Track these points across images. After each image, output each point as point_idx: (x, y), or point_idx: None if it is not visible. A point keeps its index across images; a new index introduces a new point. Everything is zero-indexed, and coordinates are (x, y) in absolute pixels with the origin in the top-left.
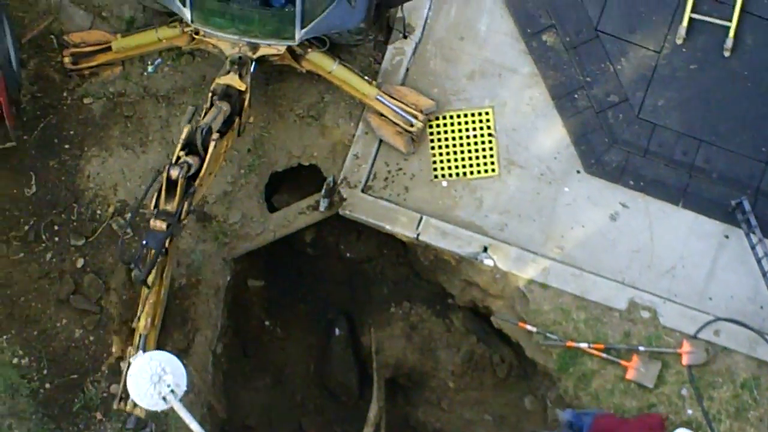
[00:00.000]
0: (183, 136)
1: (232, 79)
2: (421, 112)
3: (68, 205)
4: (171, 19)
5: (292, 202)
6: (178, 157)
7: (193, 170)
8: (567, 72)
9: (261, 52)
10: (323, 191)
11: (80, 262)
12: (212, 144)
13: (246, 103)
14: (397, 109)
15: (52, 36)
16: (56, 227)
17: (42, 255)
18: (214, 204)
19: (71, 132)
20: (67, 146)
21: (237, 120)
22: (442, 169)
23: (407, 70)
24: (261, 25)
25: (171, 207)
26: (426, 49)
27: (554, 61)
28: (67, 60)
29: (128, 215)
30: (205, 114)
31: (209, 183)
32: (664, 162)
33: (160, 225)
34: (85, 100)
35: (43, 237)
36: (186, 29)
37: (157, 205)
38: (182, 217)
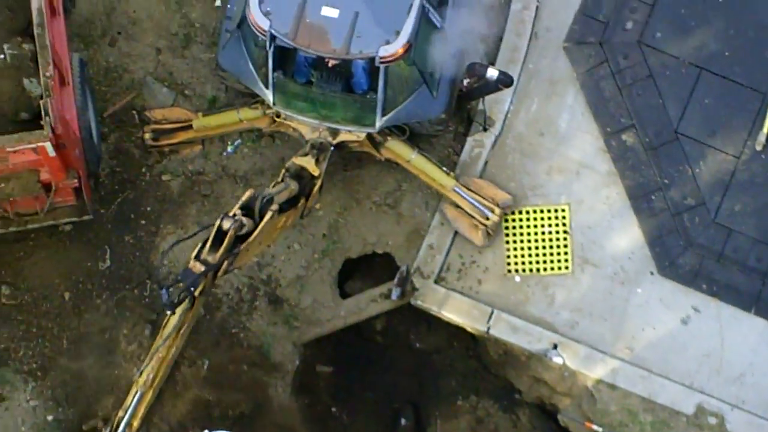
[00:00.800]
0: (244, 197)
1: (308, 162)
2: (498, 205)
3: (142, 281)
4: (253, 101)
5: (364, 289)
6: (234, 213)
7: (244, 231)
8: (645, 173)
9: (341, 137)
10: (396, 280)
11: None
12: (269, 214)
13: (316, 188)
14: (474, 202)
15: (134, 111)
16: (128, 302)
17: (113, 329)
18: (286, 287)
19: (148, 208)
20: (143, 222)
21: (303, 201)
22: (516, 263)
23: (486, 162)
24: (342, 111)
25: (212, 259)
26: (505, 143)
27: (633, 161)
28: (147, 136)
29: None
30: (274, 185)
31: (255, 252)
32: (738, 267)
33: (198, 267)
34: (164, 177)
35: (115, 312)
36: (267, 111)
37: (199, 253)
38: (219, 272)
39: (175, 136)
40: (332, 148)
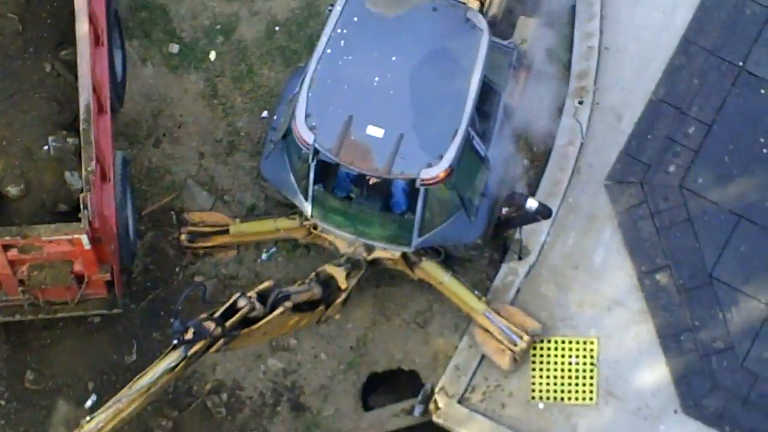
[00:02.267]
0: (263, 285)
1: (338, 274)
2: (527, 332)
3: None
4: (291, 212)
5: (387, 403)
6: (251, 296)
7: (253, 315)
8: (676, 313)
9: (376, 254)
10: (420, 397)
11: None
12: (280, 309)
13: (339, 300)
14: (504, 328)
15: (172, 212)
16: None
17: (132, 421)
18: (310, 396)
19: (178, 307)
20: (172, 320)
21: (322, 308)
22: (541, 391)
23: (518, 290)
24: (379, 228)
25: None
26: (539, 273)
27: (665, 301)
28: (183, 237)
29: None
30: (298, 284)
31: (256, 341)
32: (763, 414)
33: (210, 324)
34: (196, 278)
35: None
36: (304, 223)
37: (210, 315)
38: (213, 345)
39: (211, 240)
40: (366, 265)
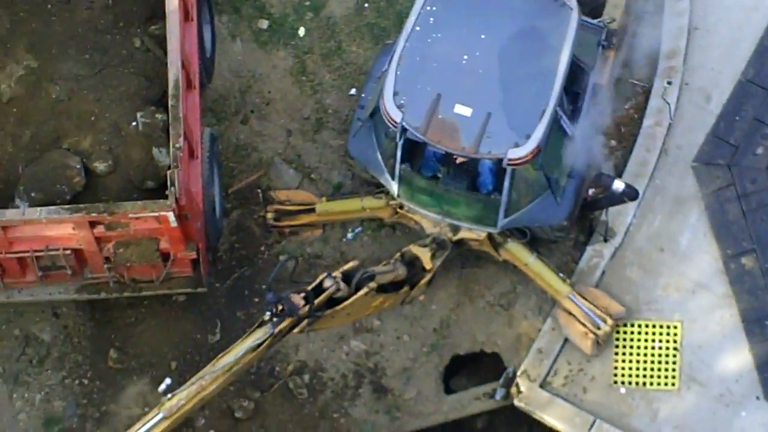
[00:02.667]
0: (348, 265)
1: (423, 254)
2: (611, 316)
3: None
4: (377, 191)
5: (469, 386)
6: (335, 276)
7: (338, 295)
8: (761, 298)
9: (461, 235)
10: (501, 380)
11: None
12: (365, 289)
13: (424, 281)
14: (587, 311)
15: (259, 190)
16: None
17: (213, 401)
18: (392, 378)
19: (263, 286)
20: (257, 300)
21: (406, 289)
22: (623, 375)
23: (603, 273)
24: (465, 208)
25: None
26: (624, 256)
27: (750, 285)
28: (270, 216)
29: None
30: (383, 265)
31: (339, 322)
32: None
33: (299, 301)
34: (281, 257)
35: None
36: (391, 202)
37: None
38: (297, 325)
39: (297, 218)
40: (451, 246)
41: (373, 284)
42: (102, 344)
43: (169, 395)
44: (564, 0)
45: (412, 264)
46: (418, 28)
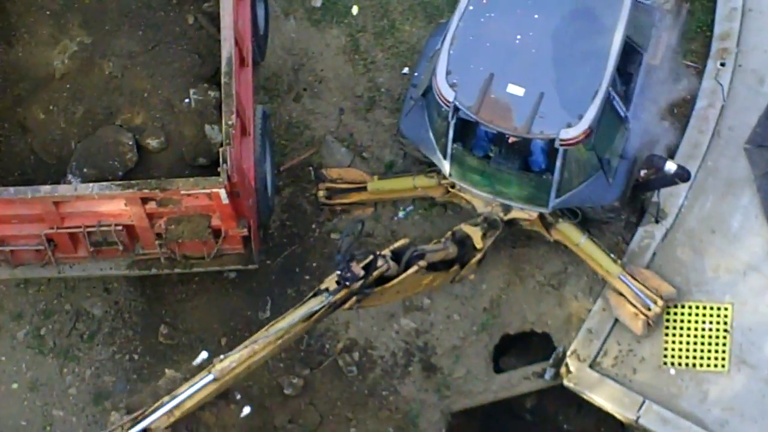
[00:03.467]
0: (398, 243)
1: (475, 233)
2: (661, 297)
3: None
4: (429, 170)
5: (518, 366)
6: (385, 254)
7: (388, 273)
8: None
9: (512, 214)
10: (551, 360)
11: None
12: (414, 267)
13: (474, 260)
14: (638, 292)
15: (311, 168)
16: (283, 354)
17: (263, 378)
18: (441, 356)
19: (314, 264)
20: (307, 277)
21: (456, 268)
22: (673, 357)
23: (654, 254)
24: (517, 188)
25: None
26: (675, 237)
27: None
28: (321, 193)
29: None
30: (434, 243)
31: (388, 299)
32: None
33: (359, 271)
34: (333, 235)
35: (269, 363)
36: (442, 181)
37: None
38: (347, 302)
39: (348, 197)
40: (502, 225)
41: (423, 263)
42: (152, 320)
43: (222, 356)
44: None
45: (463, 243)
46: (471, 8)
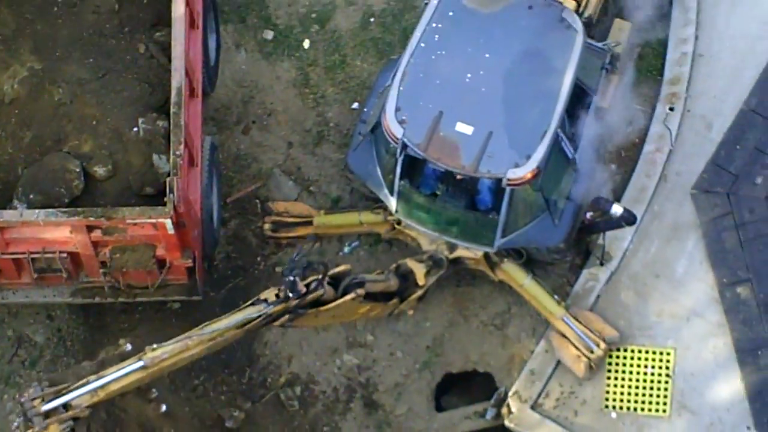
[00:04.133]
0: (339, 269)
1: (418, 270)
2: (604, 340)
3: (241, 367)
4: (375, 206)
5: (460, 405)
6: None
7: (324, 297)
8: (755, 328)
9: (458, 253)
10: (493, 400)
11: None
12: (351, 295)
13: (415, 296)
14: (581, 334)
15: (257, 200)
16: (225, 387)
17: (204, 410)
18: (383, 393)
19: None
20: (286, 267)
21: (396, 301)
22: (615, 400)
23: (598, 297)
24: (463, 226)
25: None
26: (620, 280)
27: (744, 315)
28: (267, 227)
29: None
30: (376, 273)
31: (322, 322)
32: None
33: (301, 287)
34: (277, 269)
35: (211, 394)
36: (389, 218)
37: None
38: (278, 318)
39: (294, 230)
40: (448, 264)
41: (360, 291)
42: (95, 348)
43: (154, 345)
44: (569, 22)
45: (406, 277)
46: (422, 45)
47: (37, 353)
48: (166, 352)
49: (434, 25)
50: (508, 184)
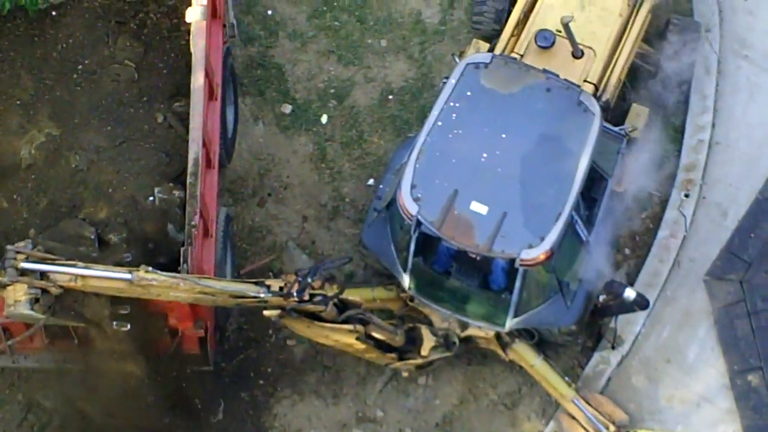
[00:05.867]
0: (354, 298)
1: (427, 340)
2: (614, 423)
3: None
4: (389, 282)
5: None
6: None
7: (324, 314)
8: (765, 416)
9: (469, 332)
10: None
11: None
12: (349, 326)
13: (412, 362)
14: (591, 416)
15: (271, 273)
16: None
17: None
18: None
19: (269, 369)
20: (261, 382)
21: (394, 357)
22: None
23: (609, 380)
24: (475, 305)
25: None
26: (631, 364)
27: (755, 402)
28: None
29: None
30: (388, 321)
31: (311, 336)
32: None
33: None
34: (289, 342)
35: None
36: (402, 294)
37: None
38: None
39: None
40: (457, 347)
41: (360, 327)
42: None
43: (149, 268)
44: (587, 105)
45: (414, 341)
46: (440, 123)
47: (47, 418)
48: (155, 279)
49: (452, 104)
50: (522, 265)
